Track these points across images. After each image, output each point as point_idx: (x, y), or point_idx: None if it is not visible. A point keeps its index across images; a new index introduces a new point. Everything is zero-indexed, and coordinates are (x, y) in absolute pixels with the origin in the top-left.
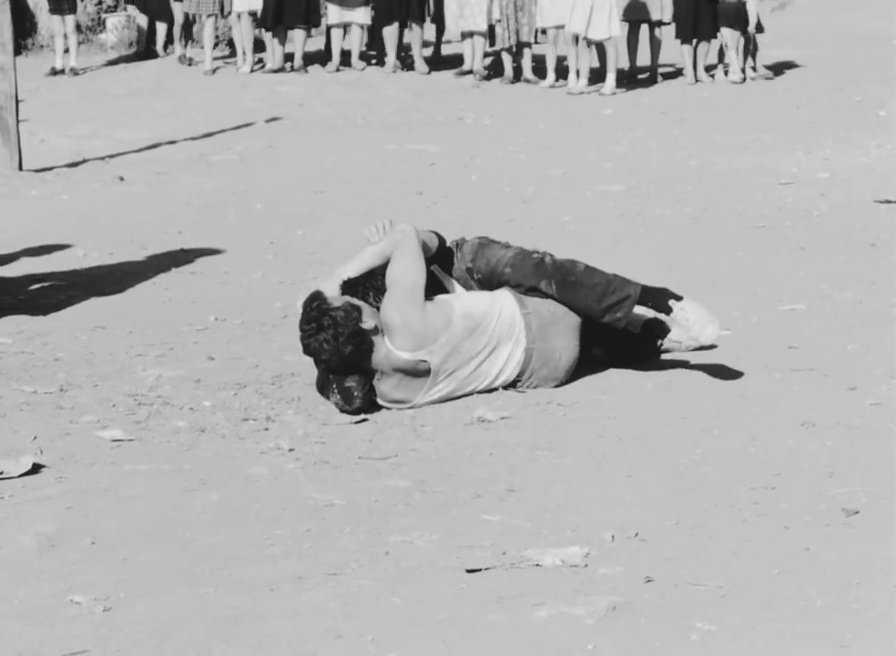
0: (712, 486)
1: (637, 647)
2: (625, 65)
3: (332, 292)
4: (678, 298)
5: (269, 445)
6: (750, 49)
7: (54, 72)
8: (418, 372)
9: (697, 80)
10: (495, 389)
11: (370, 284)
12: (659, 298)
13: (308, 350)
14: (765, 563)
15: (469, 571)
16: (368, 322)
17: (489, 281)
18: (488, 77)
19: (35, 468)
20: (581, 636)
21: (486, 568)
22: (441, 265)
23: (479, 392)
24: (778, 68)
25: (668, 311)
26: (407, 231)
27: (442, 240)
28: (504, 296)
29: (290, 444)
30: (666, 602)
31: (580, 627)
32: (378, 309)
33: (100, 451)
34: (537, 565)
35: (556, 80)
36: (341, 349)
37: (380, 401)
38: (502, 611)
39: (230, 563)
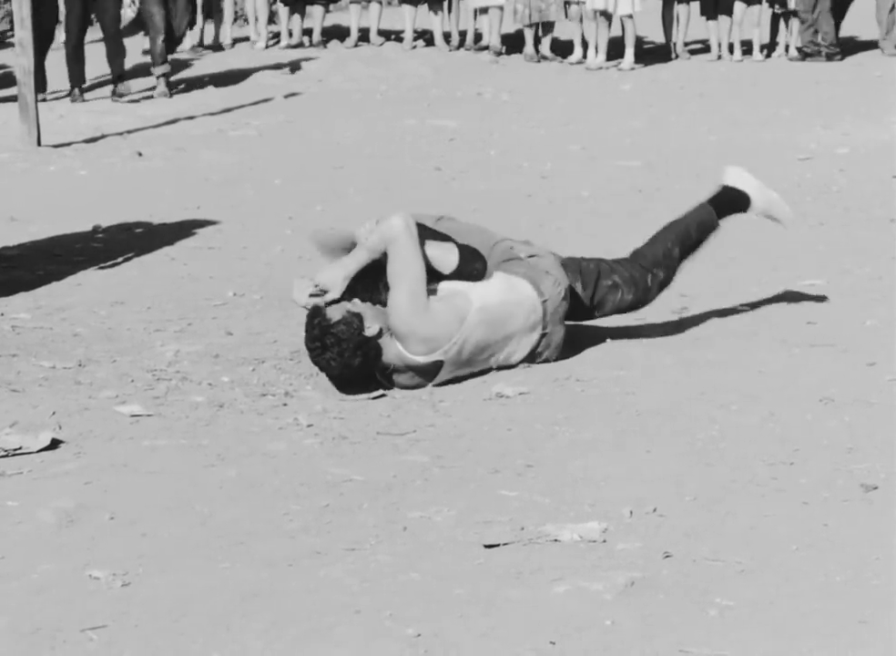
0: (730, 461)
1: (656, 622)
2: (652, 40)
3: (331, 284)
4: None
5: (287, 421)
6: (790, 28)
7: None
8: (432, 366)
9: (719, 56)
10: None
11: (371, 280)
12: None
13: (318, 366)
14: (783, 539)
15: (487, 547)
16: (372, 328)
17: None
18: (506, 52)
19: (54, 444)
20: (599, 611)
21: (504, 544)
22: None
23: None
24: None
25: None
26: (395, 226)
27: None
28: (523, 285)
29: (309, 419)
30: (684, 578)
31: (598, 602)
32: (383, 303)
33: (118, 426)
34: (555, 540)
35: (584, 56)
36: (349, 363)
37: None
38: (520, 587)
39: (249, 538)
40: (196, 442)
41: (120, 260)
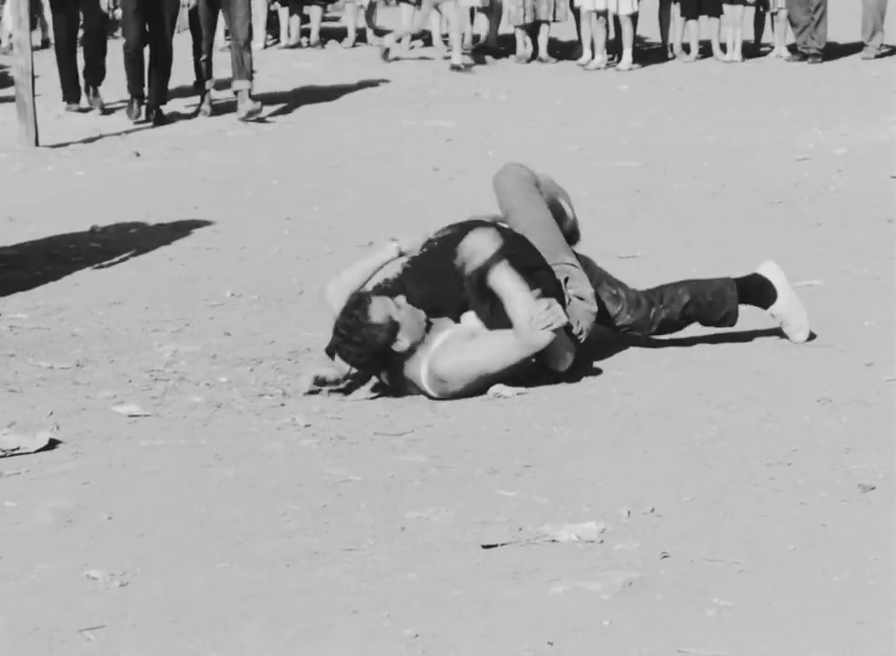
0: (728, 461)
1: (653, 623)
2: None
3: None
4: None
5: (285, 421)
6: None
7: None
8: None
9: (697, 57)
10: None
11: (448, 300)
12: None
13: (335, 347)
14: (781, 539)
15: (485, 547)
16: (401, 343)
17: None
18: (499, 54)
19: (52, 444)
20: (597, 612)
21: (502, 544)
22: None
23: None
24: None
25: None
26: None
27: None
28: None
29: (307, 419)
30: (682, 578)
31: (596, 602)
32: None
33: (116, 426)
34: (553, 541)
35: (592, 57)
36: (362, 363)
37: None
38: (517, 587)
39: (246, 539)
40: (194, 442)
41: (118, 260)
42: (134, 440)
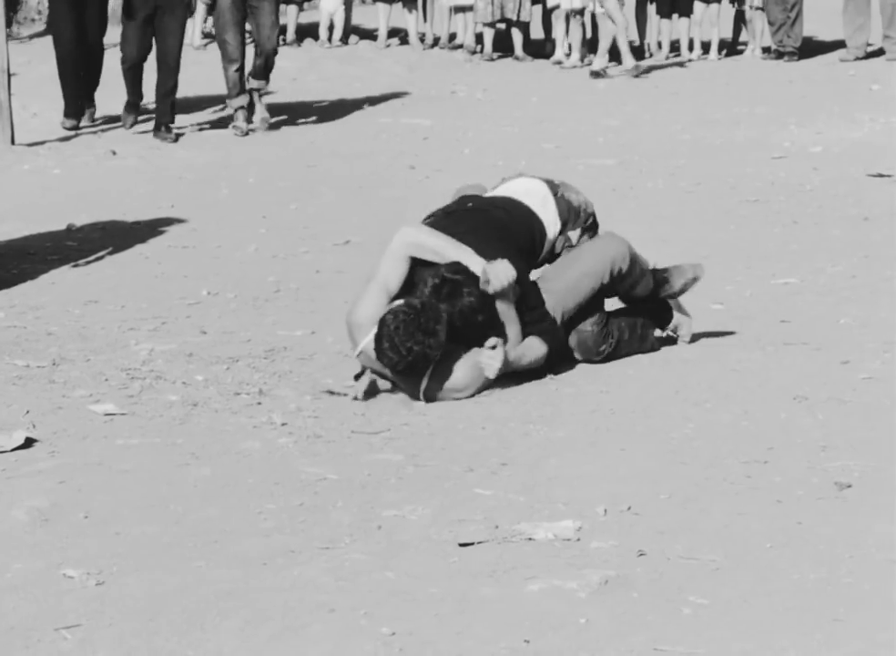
0: (705, 459)
1: (630, 621)
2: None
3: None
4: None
5: (261, 420)
6: (751, 28)
7: None
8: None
9: (668, 56)
10: None
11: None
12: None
13: (377, 347)
14: (758, 537)
15: (462, 545)
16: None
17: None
18: (481, 51)
19: (28, 443)
20: (574, 610)
21: (479, 542)
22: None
23: None
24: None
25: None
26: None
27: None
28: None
29: (283, 418)
30: (658, 576)
31: (573, 600)
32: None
33: (93, 425)
34: (530, 539)
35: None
36: (395, 369)
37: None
38: (494, 585)
39: (223, 537)
40: (170, 441)
41: (94, 259)
42: (110, 439)
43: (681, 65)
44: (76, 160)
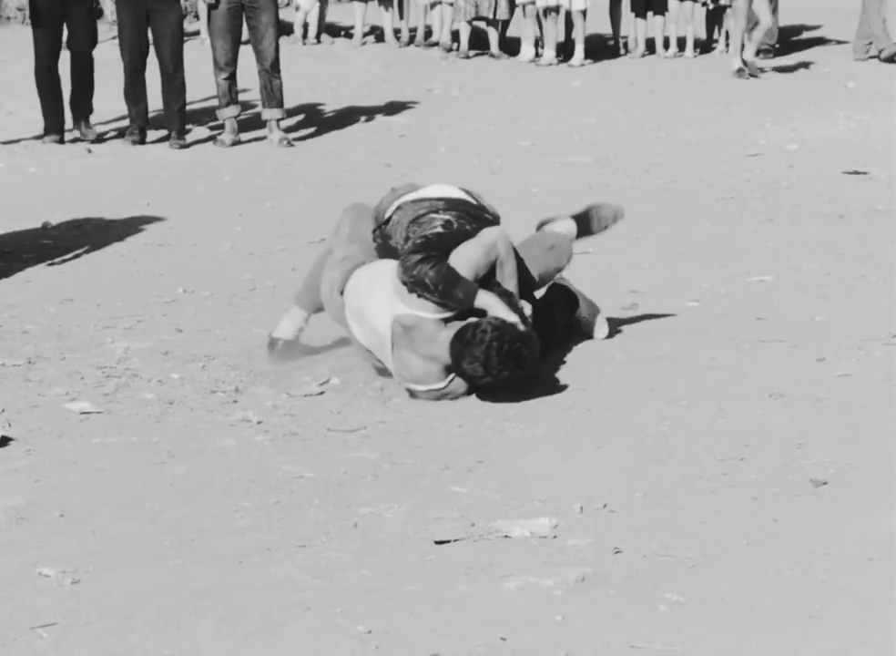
0: (681, 457)
1: (607, 618)
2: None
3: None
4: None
5: (237, 418)
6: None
7: None
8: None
9: (644, 54)
10: None
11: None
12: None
13: (487, 366)
14: (734, 534)
15: (438, 543)
16: None
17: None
18: (454, 49)
19: (4, 441)
20: (550, 607)
21: (455, 540)
22: None
23: None
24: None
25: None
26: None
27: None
28: None
29: (259, 416)
30: (635, 573)
31: (549, 598)
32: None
33: (69, 423)
34: (506, 536)
35: (536, 55)
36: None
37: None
38: (470, 583)
39: (199, 535)
40: (146, 439)
41: (70, 257)
42: (86, 437)
43: (657, 62)
44: (51, 159)
